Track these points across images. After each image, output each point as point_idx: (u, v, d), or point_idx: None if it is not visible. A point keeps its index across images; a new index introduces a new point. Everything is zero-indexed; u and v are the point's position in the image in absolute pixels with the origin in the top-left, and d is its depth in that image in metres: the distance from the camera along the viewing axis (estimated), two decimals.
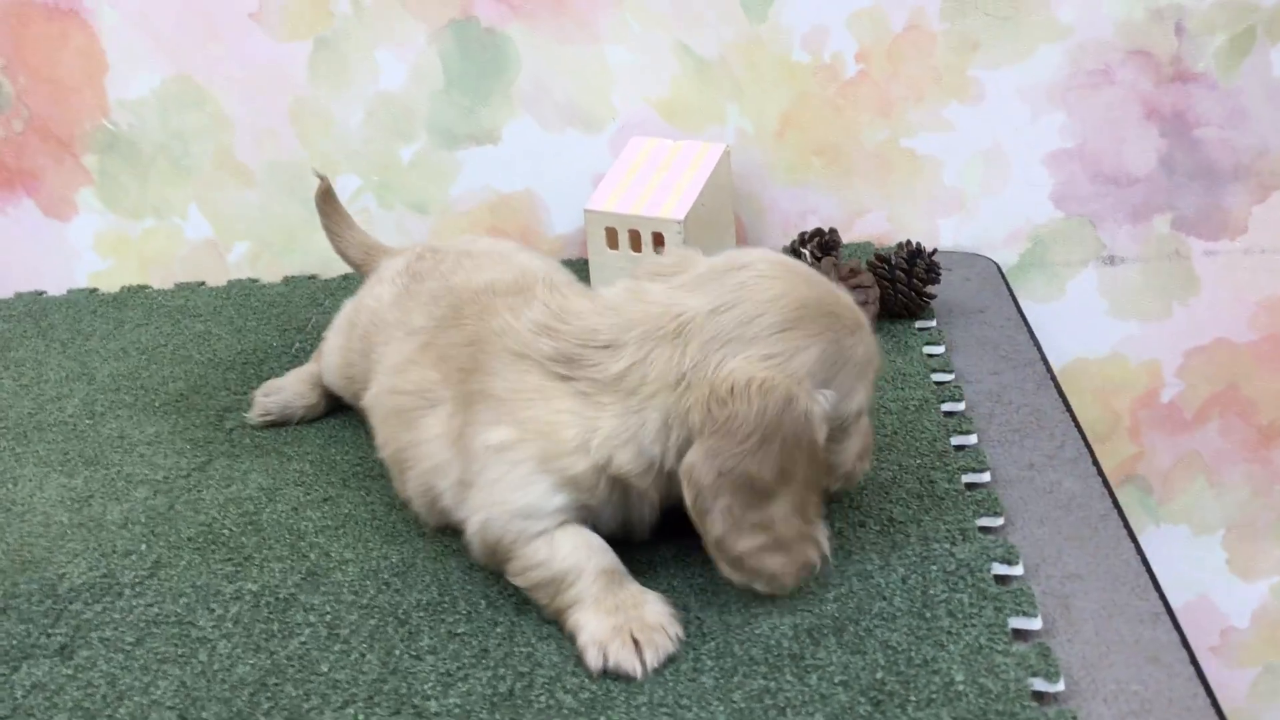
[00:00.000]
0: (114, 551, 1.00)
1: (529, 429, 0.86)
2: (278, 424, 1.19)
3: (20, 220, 1.62)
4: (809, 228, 1.51)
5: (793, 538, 0.81)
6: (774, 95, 1.47)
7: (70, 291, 1.63)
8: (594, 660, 0.79)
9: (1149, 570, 0.88)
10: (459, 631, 0.86)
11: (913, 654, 0.79)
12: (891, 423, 1.08)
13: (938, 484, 0.98)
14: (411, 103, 1.51)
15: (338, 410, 1.20)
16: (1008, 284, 1.41)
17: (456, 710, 0.78)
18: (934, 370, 1.17)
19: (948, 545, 0.89)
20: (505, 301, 0.97)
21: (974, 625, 0.80)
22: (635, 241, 1.39)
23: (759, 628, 0.83)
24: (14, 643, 0.90)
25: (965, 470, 0.99)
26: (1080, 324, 1.53)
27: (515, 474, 0.86)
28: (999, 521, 0.93)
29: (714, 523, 0.80)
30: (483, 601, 0.89)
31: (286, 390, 1.19)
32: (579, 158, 1.52)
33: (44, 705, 0.82)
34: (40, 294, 1.64)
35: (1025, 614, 0.81)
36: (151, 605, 0.93)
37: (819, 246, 1.36)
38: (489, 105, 1.51)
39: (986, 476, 0.99)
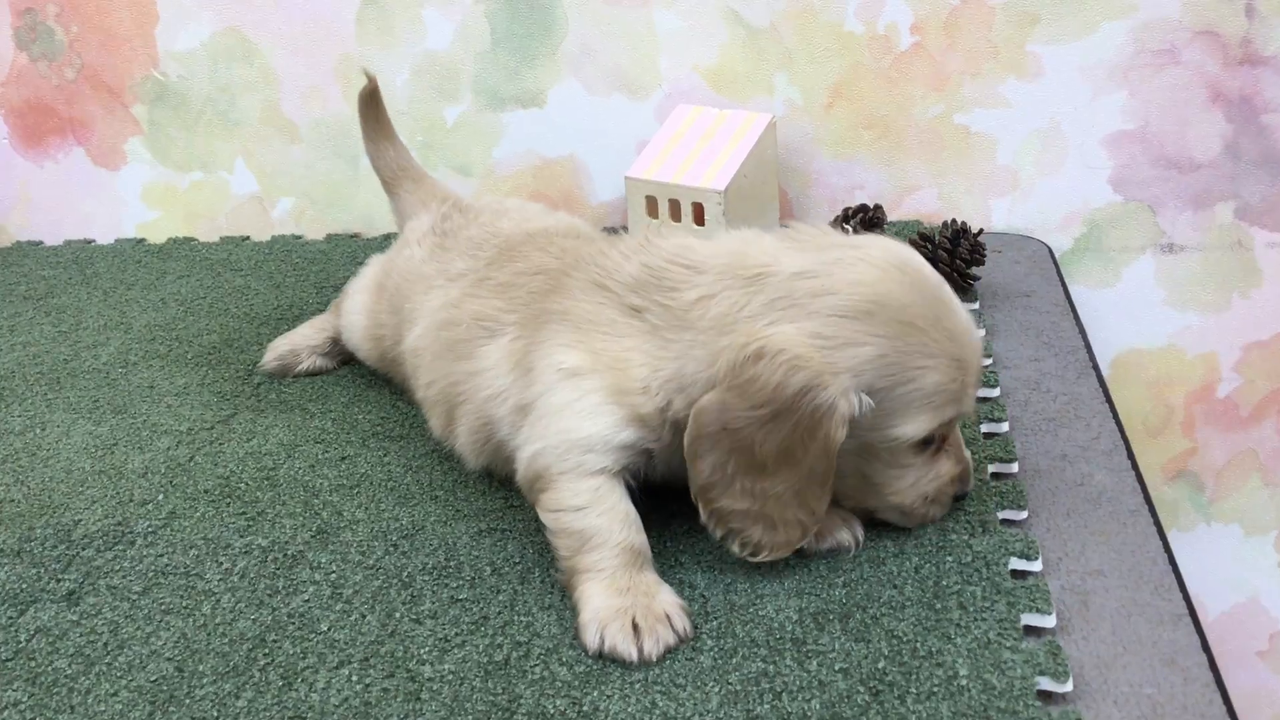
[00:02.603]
0: (130, 500, 1.00)
1: (602, 360, 0.84)
2: (285, 369, 1.20)
3: (71, 168, 1.63)
4: (855, 203, 1.48)
5: (782, 518, 0.79)
6: (825, 66, 1.44)
7: (118, 241, 1.65)
8: (591, 639, 0.77)
9: (1175, 569, 0.85)
10: (461, 597, 0.85)
11: (918, 645, 0.76)
12: None
13: None
14: (457, 63, 1.50)
15: (363, 371, 1.20)
16: (1058, 269, 1.37)
17: (450, 676, 0.77)
18: None
19: (966, 536, 0.87)
20: (571, 241, 0.96)
21: (984, 620, 0.78)
22: (675, 211, 1.37)
23: (763, 609, 0.81)
24: (24, 586, 0.90)
25: (993, 459, 0.96)
26: (1136, 313, 1.48)
27: (585, 402, 0.84)
28: (1022, 514, 0.90)
29: (703, 470, 0.79)
30: (488, 568, 0.88)
31: (295, 335, 1.20)
32: (624, 124, 1.49)
33: (46, 650, 0.83)
34: (89, 242, 1.66)
35: (1039, 610, 0.78)
36: (161, 555, 0.93)
37: (863, 223, 1.33)
38: (534, 67, 1.49)
39: (1014, 467, 0.96)
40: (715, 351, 0.79)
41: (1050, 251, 1.42)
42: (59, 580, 0.90)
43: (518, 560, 0.88)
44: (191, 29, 1.53)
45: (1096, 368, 1.14)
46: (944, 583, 0.82)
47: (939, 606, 0.80)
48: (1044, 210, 1.45)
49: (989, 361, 1.13)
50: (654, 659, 0.76)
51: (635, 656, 0.76)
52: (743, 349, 0.77)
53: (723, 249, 0.83)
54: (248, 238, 1.61)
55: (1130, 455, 0.99)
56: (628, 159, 1.44)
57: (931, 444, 0.83)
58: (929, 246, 1.24)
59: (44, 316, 1.41)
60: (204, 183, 1.61)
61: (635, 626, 0.77)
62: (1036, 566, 0.84)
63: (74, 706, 0.77)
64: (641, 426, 0.83)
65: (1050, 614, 0.78)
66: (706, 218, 1.34)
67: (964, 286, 1.24)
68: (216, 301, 1.41)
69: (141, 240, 1.64)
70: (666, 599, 0.79)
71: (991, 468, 0.96)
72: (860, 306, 0.78)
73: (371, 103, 1.25)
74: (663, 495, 0.91)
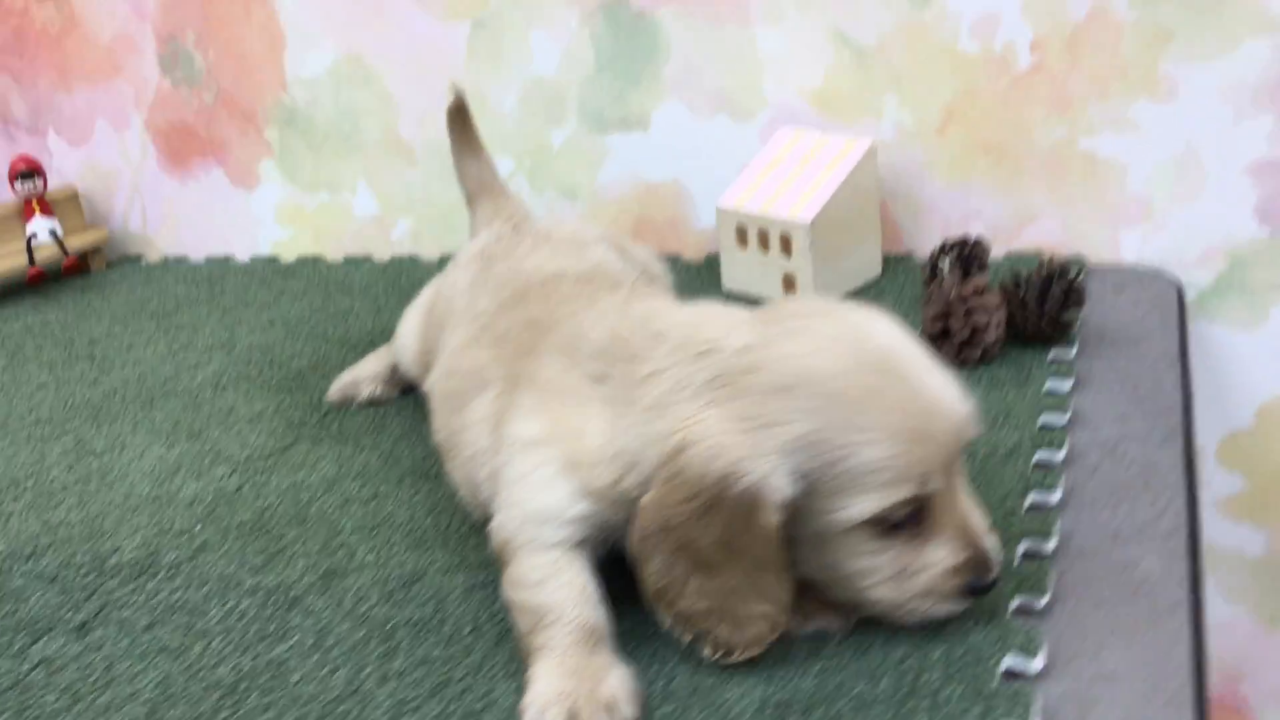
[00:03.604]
0: (169, 530, 1.04)
1: (560, 429, 0.82)
2: (347, 400, 1.22)
3: (212, 188, 1.71)
4: (972, 231, 1.39)
5: (746, 615, 0.74)
6: (937, 87, 1.35)
7: (253, 258, 1.72)
8: None
9: (1200, 678, 0.75)
10: (433, 656, 0.83)
11: None
12: (971, 471, 0.97)
13: None
14: (563, 86, 1.49)
15: (422, 400, 1.20)
16: (1182, 311, 1.24)
17: None
18: (1047, 409, 1.04)
19: (967, 625, 0.79)
20: (575, 289, 0.94)
21: None
22: (764, 241, 1.31)
23: (727, 694, 0.76)
24: (46, 613, 0.94)
25: (1027, 535, 0.88)
26: None
27: (540, 473, 0.82)
28: (1040, 602, 0.81)
29: (654, 572, 0.74)
30: (469, 626, 0.86)
31: (360, 365, 1.22)
32: (728, 147, 1.45)
33: (41, 683, 0.86)
34: (228, 259, 1.73)
35: None
36: (177, 590, 0.95)
37: (959, 257, 1.24)
38: (639, 90, 1.46)
39: (1049, 546, 0.87)
40: (653, 436, 0.75)
41: (1180, 292, 1.29)
42: (78, 610, 0.94)
43: (501, 619, 0.86)
44: (316, 55, 1.57)
45: (1189, 431, 1.02)
46: (922, 679, 0.75)
47: (908, 707, 0.73)
48: (1180, 243, 1.32)
49: (1063, 419, 1.03)
50: None
51: None
52: (669, 439, 0.73)
53: (685, 319, 0.79)
54: (369, 257, 1.65)
55: (1193, 538, 0.89)
56: (731, 183, 1.39)
57: (899, 528, 0.75)
58: (1017, 290, 1.14)
59: (163, 334, 1.48)
60: (330, 203, 1.66)
61: (575, 714, 0.73)
62: (1034, 666, 0.76)
63: None
64: (598, 499, 0.79)
65: None
66: (794, 250, 1.28)
67: (1055, 333, 1.14)
68: (319, 324, 1.45)
69: (274, 258, 1.70)
70: (615, 685, 0.75)
71: (1023, 545, 0.87)
72: (784, 382, 0.72)
73: (459, 117, 1.26)
74: None
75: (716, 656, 0.76)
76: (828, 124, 1.40)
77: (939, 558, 0.76)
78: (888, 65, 1.36)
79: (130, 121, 1.71)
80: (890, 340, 0.75)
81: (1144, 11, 1.25)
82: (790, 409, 0.72)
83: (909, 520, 0.75)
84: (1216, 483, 1.40)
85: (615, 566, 0.89)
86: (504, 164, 1.54)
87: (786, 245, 1.29)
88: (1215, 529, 1.41)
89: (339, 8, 1.54)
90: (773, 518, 0.72)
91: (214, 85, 1.64)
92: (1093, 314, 1.23)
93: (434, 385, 1.01)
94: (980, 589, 0.77)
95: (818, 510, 0.73)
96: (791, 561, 0.75)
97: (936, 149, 1.37)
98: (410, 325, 1.15)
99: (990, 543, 0.78)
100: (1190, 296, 1.33)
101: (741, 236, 1.33)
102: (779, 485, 0.72)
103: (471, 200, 1.26)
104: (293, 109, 1.61)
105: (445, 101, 1.23)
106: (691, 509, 0.72)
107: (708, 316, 0.79)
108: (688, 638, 0.77)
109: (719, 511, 0.72)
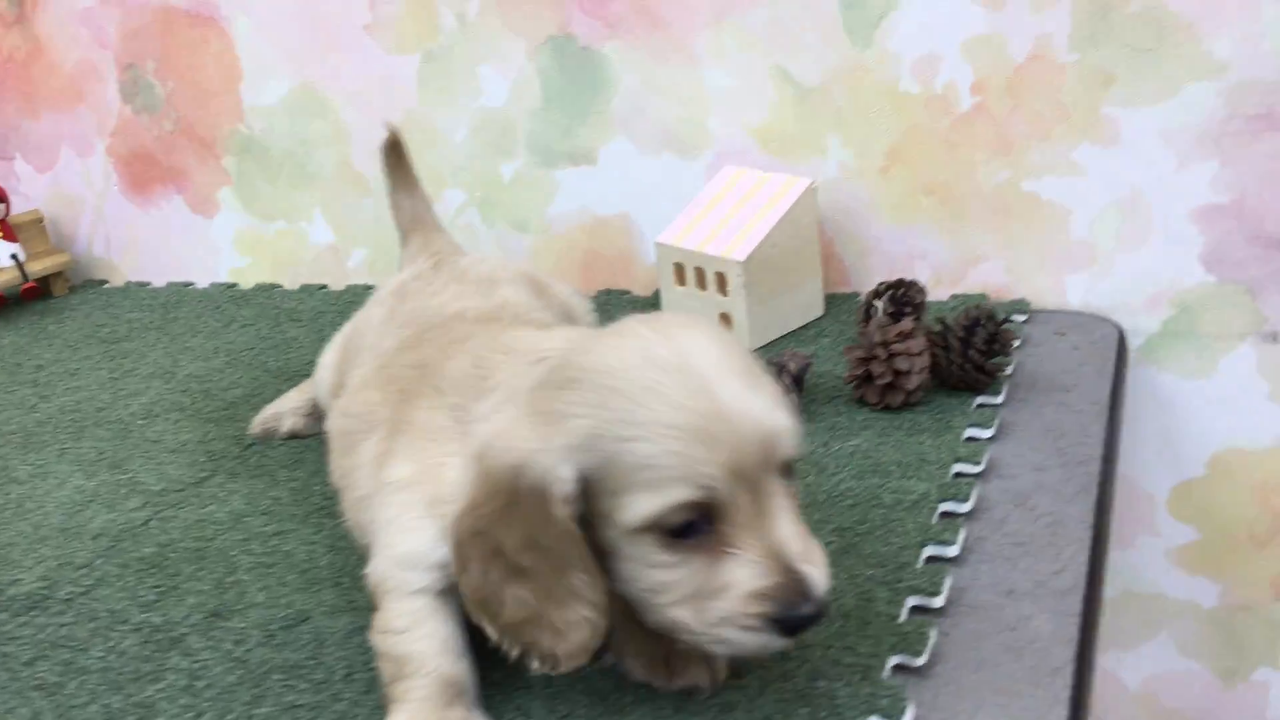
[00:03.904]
0: (70, 564, 1.03)
1: (425, 469, 0.81)
2: (268, 434, 1.21)
3: (172, 215, 1.71)
4: (917, 273, 1.37)
5: (564, 621, 0.72)
6: (879, 127, 1.33)
7: (212, 285, 1.72)
8: None
9: None
10: (299, 703, 0.82)
11: None
12: (872, 519, 0.95)
13: (876, 604, 0.85)
14: (512, 120, 1.48)
15: None
16: (1121, 359, 1.22)
17: None
18: (961, 459, 1.02)
19: (836, 684, 0.77)
20: (472, 329, 0.93)
21: None
22: (701, 280, 1.30)
23: None
24: None
25: (917, 591, 0.86)
26: (1236, 407, 1.30)
27: (405, 517, 0.80)
28: (918, 660, 0.79)
29: (472, 581, 0.73)
30: (342, 671, 0.85)
31: (282, 399, 1.21)
32: (674, 183, 1.44)
33: None
34: (187, 285, 1.73)
35: None
36: (64, 626, 0.94)
37: (893, 300, 1.22)
38: (586, 124, 1.45)
39: (937, 601, 0.85)
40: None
41: (1122, 337, 1.27)
42: None
43: (374, 665, 0.84)
44: (271, 85, 1.58)
45: (1104, 485, 1.00)
46: None
47: None
48: (1126, 289, 1.30)
49: (976, 469, 1.01)
50: None
51: None
52: (475, 443, 0.72)
53: (539, 338, 0.78)
54: (325, 286, 1.65)
55: (1090, 598, 0.86)
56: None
57: (688, 540, 0.70)
58: (942, 335, 1.12)
59: (108, 361, 1.48)
60: (287, 232, 1.66)
61: None
62: None
63: None
64: None
65: None
66: (730, 289, 1.27)
67: (979, 380, 1.12)
68: (261, 353, 1.44)
69: (233, 285, 1.70)
70: None
71: (911, 600, 0.85)
72: (570, 376, 0.71)
73: (394, 152, 1.25)
74: None
75: (545, 669, 0.73)
76: (773, 162, 1.38)
77: (737, 579, 0.69)
78: (830, 104, 1.34)
79: (94, 148, 1.72)
80: (696, 345, 0.71)
81: (1085, 54, 1.23)
82: (575, 403, 0.70)
83: (699, 532, 0.69)
84: (1168, 533, 1.37)
85: None
86: (456, 196, 1.54)
87: (722, 283, 1.27)
88: (1167, 580, 1.39)
89: (293, 39, 1.54)
90: (562, 511, 0.70)
91: (173, 113, 1.64)
92: (1029, 359, 1.21)
93: (331, 424, 1.00)
94: (795, 622, 0.69)
95: (605, 512, 0.70)
96: (605, 572, 0.73)
97: (880, 189, 1.36)
98: (328, 359, 1.15)
99: (810, 572, 0.70)
100: (1137, 343, 1.31)
101: (680, 274, 1.32)
102: (564, 478, 0.69)
103: (404, 235, 1.25)
104: (249, 138, 1.62)
105: (407, 136, 1.23)
106: (494, 509, 0.71)
107: (563, 333, 0.78)
108: (515, 652, 0.74)
109: (517, 508, 0.70)
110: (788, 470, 0.73)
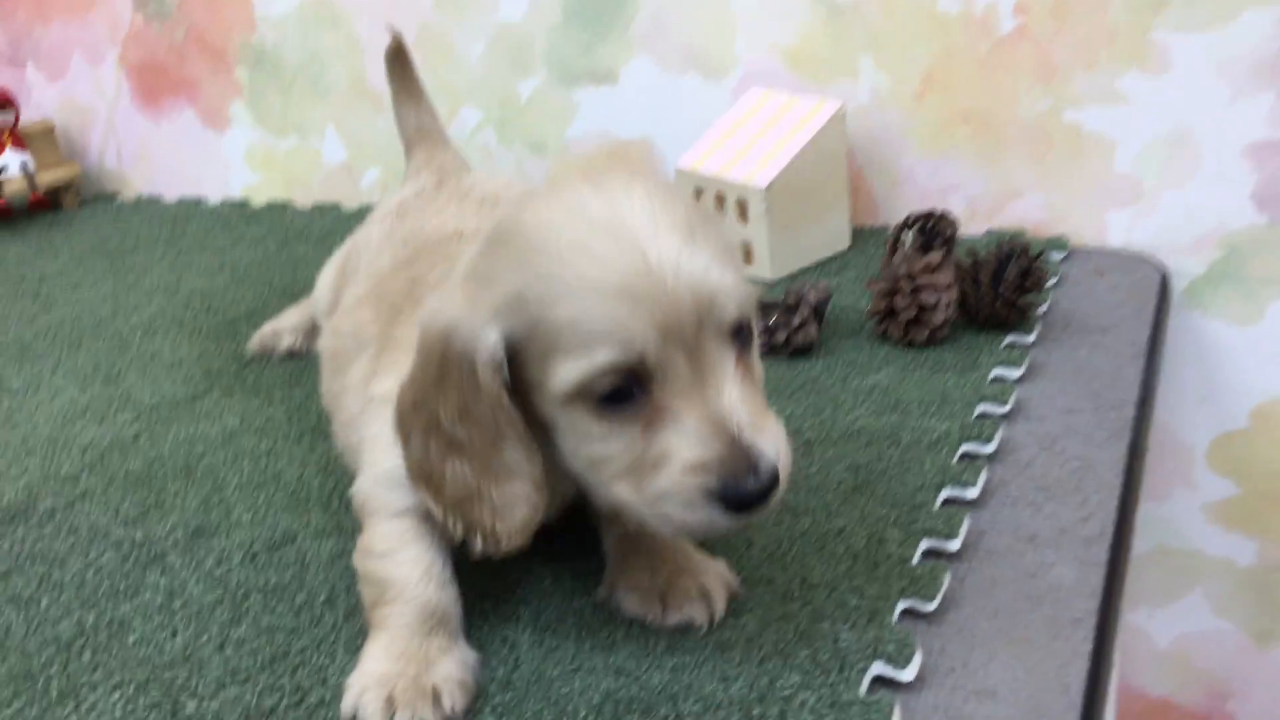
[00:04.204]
0: (55, 476, 1.00)
1: None
2: (266, 350, 1.18)
3: (184, 128, 1.67)
4: (950, 206, 1.30)
5: (504, 498, 0.68)
6: (915, 50, 1.27)
7: (223, 202, 1.67)
8: (347, 704, 0.69)
9: (1089, 704, 0.68)
10: (278, 625, 0.78)
11: None
12: (888, 458, 0.90)
13: (887, 545, 0.80)
14: (530, 35, 1.42)
15: None
16: (1164, 301, 1.16)
17: (209, 717, 0.71)
18: (986, 399, 0.97)
19: (841, 626, 0.72)
20: (461, 249, 0.88)
21: None
22: (721, 206, 1.24)
23: (569, 685, 0.70)
24: None
25: (930, 534, 0.81)
26: None
27: (390, 432, 0.75)
28: (929, 605, 0.74)
29: (413, 458, 0.70)
30: (324, 594, 0.81)
31: (281, 319, 1.17)
32: (699, 105, 1.38)
33: None
34: (199, 201, 1.69)
35: None
36: (42, 539, 0.91)
37: (921, 233, 1.16)
38: (607, 42, 1.39)
39: (952, 545, 0.80)
40: None
41: (1164, 279, 1.20)
42: None
43: (357, 589, 0.81)
44: None
45: (1138, 430, 0.94)
46: (779, 683, 0.68)
47: (756, 713, 0.66)
48: (1171, 228, 1.23)
49: (1002, 410, 0.95)
50: None
51: None
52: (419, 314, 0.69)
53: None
54: (338, 206, 1.60)
55: (1117, 546, 0.81)
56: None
57: (622, 407, 0.64)
58: (971, 269, 1.06)
59: (113, 275, 1.44)
60: (300, 148, 1.61)
61: (393, 699, 0.68)
62: (905, 676, 0.69)
63: None
64: None
65: None
66: (751, 216, 1.21)
67: (1010, 317, 1.06)
68: (267, 271, 1.40)
69: (244, 202, 1.66)
70: (444, 672, 0.70)
71: (925, 543, 0.80)
72: (499, 236, 0.67)
73: (397, 61, 1.20)
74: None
75: (489, 549, 0.70)
76: (801, 84, 1.32)
77: (675, 449, 0.64)
78: (864, 24, 1.27)
79: (105, 57, 1.67)
80: (633, 200, 0.65)
81: None
82: (501, 264, 0.66)
83: (633, 400, 0.64)
84: (1205, 487, 1.31)
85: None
86: (471, 115, 1.48)
87: (743, 211, 1.22)
88: (1202, 536, 1.33)
89: None
90: (490, 377, 0.66)
91: (184, 21, 1.59)
92: (1064, 298, 1.15)
93: (323, 344, 0.95)
94: (741, 497, 0.63)
95: (536, 381, 0.66)
96: (549, 447, 0.69)
97: (913, 115, 1.29)
98: (326, 278, 1.10)
99: (757, 442, 0.64)
100: (1181, 286, 1.25)
101: (699, 200, 1.26)
102: (488, 342, 0.65)
103: (408, 148, 1.20)
104: (261, 49, 1.56)
105: (423, 52, 1.19)
106: (429, 377, 0.67)
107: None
108: (459, 533, 0.70)
109: (450, 376, 0.66)
110: (740, 336, 0.67)
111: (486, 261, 0.67)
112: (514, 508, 0.68)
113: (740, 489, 0.63)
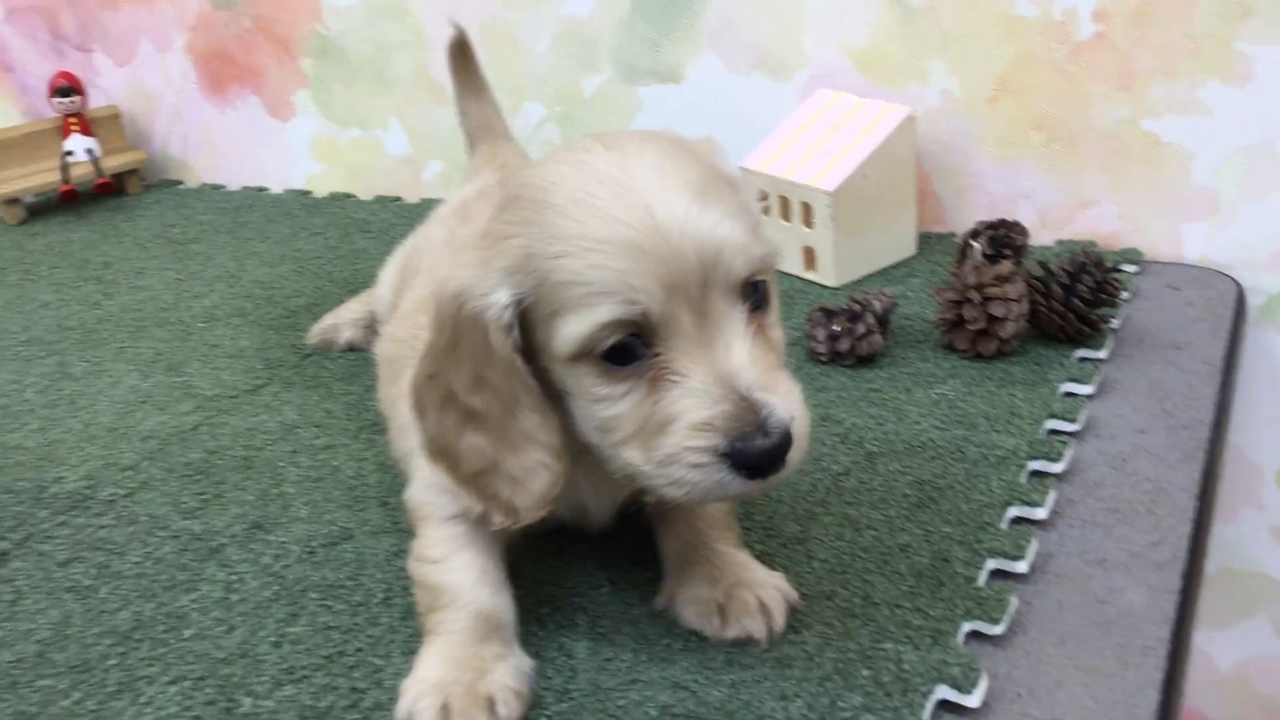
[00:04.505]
0: (115, 464, 1.00)
1: None
2: (326, 344, 1.18)
3: (249, 117, 1.67)
4: (1020, 215, 1.28)
5: (522, 468, 0.68)
6: (989, 53, 1.24)
7: (286, 191, 1.68)
8: (399, 712, 0.68)
9: None
10: (334, 624, 0.78)
11: None
12: (954, 474, 0.88)
13: (952, 564, 0.78)
14: (596, 31, 1.41)
15: None
16: (1240, 318, 1.13)
17: (264, 715, 0.71)
18: (1056, 415, 0.95)
19: (904, 647, 0.71)
20: None
21: None
22: (785, 209, 1.22)
23: (626, 698, 0.69)
24: None
25: (998, 554, 0.79)
26: None
27: None
28: (995, 629, 0.73)
29: (430, 432, 0.70)
30: (381, 594, 0.81)
31: (342, 309, 1.17)
32: (765, 105, 1.36)
33: None
34: (262, 190, 1.69)
35: None
36: (102, 528, 0.91)
37: (991, 241, 1.14)
38: (673, 39, 1.37)
39: (1021, 566, 0.78)
40: None
41: (1241, 294, 1.17)
42: (2, 538, 0.91)
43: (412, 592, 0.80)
44: None
45: (1212, 452, 0.92)
46: (840, 703, 0.67)
47: None
48: (1248, 243, 1.20)
49: (1073, 427, 0.93)
50: None
51: None
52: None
53: None
54: (399, 199, 1.60)
55: (1190, 573, 0.79)
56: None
57: (627, 366, 0.63)
58: (1043, 281, 1.04)
59: (175, 262, 1.45)
60: (362, 140, 1.61)
61: (449, 708, 0.67)
62: (970, 701, 0.67)
63: None
64: None
65: None
66: (815, 220, 1.19)
67: (1083, 330, 1.04)
68: (329, 263, 1.40)
69: (308, 193, 1.66)
70: (499, 679, 0.69)
71: (992, 563, 0.78)
72: (511, 197, 0.66)
73: (460, 55, 1.20)
74: (582, 544, 0.81)
75: (508, 522, 0.69)
76: (871, 87, 1.30)
77: (681, 409, 0.62)
78: (937, 26, 1.25)
79: (172, 43, 1.68)
80: (643, 158, 0.64)
81: None
82: (511, 223, 0.65)
83: (638, 358, 0.63)
84: (1274, 508, 1.27)
85: (541, 546, 0.83)
86: (535, 110, 1.47)
87: (808, 214, 1.20)
88: (1270, 558, 1.29)
89: None
90: (501, 340, 0.65)
91: (252, 10, 1.59)
92: (1137, 313, 1.13)
93: (380, 350, 0.95)
94: (750, 457, 0.61)
95: (545, 343, 0.65)
96: (564, 418, 0.68)
97: (985, 121, 1.27)
98: (388, 275, 1.10)
99: (766, 400, 0.62)
100: (1257, 302, 1.21)
101: (763, 202, 1.24)
102: (498, 302, 0.64)
103: (471, 143, 1.19)
104: (327, 39, 1.56)
105: (488, 45, 1.18)
106: (444, 346, 0.67)
107: None
108: (479, 508, 0.70)
109: (463, 342, 0.66)
110: (754, 296, 0.65)
111: (497, 223, 0.67)
112: (532, 477, 0.68)
113: (748, 448, 0.61)
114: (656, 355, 0.63)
